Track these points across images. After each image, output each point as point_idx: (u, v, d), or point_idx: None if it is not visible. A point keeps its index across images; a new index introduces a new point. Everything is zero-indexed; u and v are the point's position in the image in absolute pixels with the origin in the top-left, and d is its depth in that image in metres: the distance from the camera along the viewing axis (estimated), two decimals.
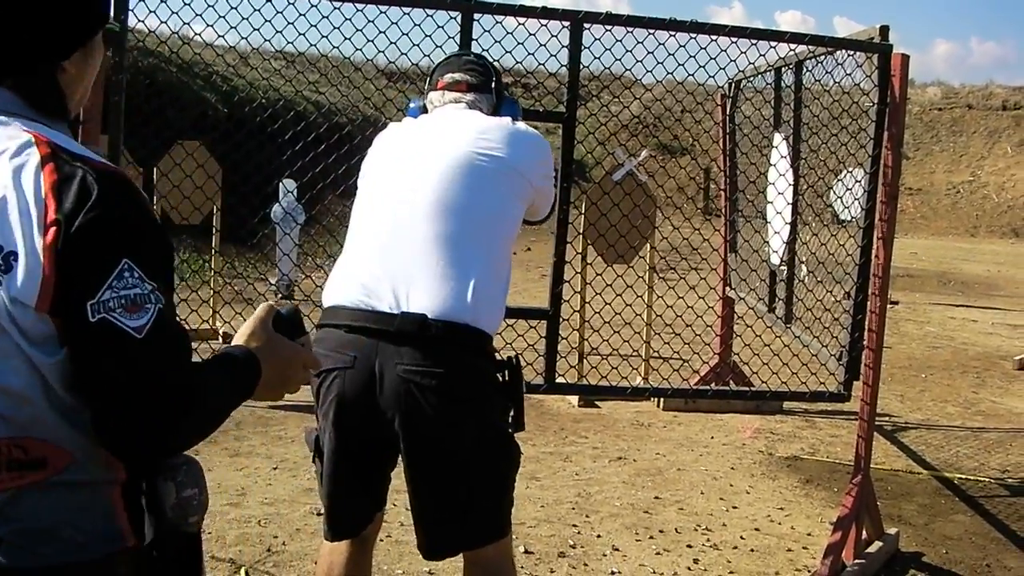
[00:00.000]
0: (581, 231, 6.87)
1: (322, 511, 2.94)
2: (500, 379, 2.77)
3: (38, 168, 1.43)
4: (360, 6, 4.30)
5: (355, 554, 2.92)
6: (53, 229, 1.39)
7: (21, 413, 1.42)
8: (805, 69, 5.22)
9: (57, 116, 1.56)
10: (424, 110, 3.05)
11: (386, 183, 2.83)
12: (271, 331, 1.69)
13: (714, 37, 4.51)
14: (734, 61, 4.64)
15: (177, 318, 1.52)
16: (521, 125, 2.92)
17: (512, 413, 2.77)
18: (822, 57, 4.93)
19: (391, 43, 4.39)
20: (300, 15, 4.29)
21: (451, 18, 4.26)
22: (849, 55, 4.65)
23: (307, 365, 1.75)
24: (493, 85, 3.03)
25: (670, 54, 4.57)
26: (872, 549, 4.58)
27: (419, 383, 2.59)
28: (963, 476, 5.99)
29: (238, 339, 1.67)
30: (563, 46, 4.30)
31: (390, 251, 2.68)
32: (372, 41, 4.49)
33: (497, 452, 2.76)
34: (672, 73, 4.66)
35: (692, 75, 4.65)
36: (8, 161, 1.44)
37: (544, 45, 4.42)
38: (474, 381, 2.69)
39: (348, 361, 2.62)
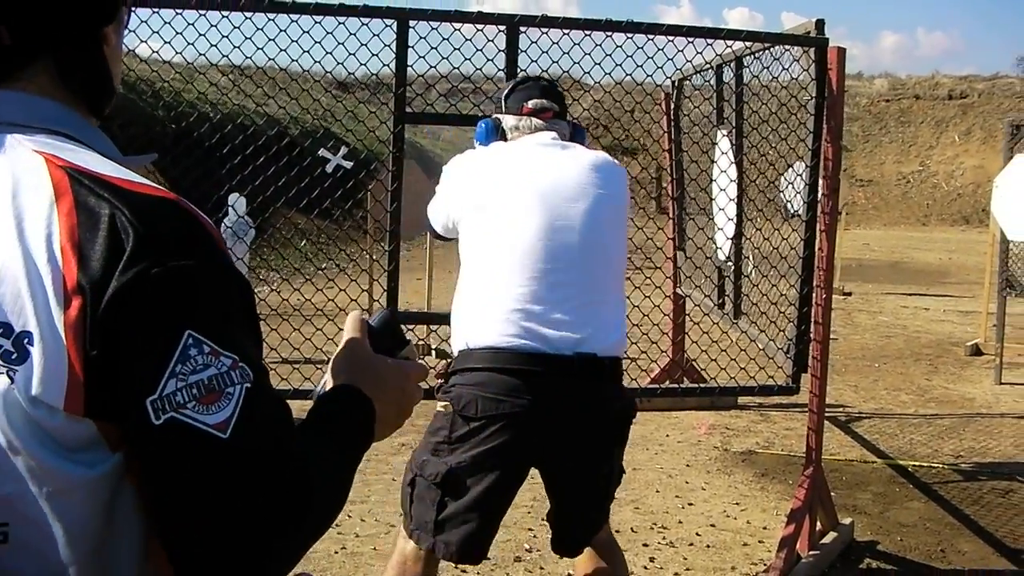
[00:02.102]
0: None
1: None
2: None
3: (51, 206, 1.02)
4: (295, 17, 4.26)
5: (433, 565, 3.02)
6: (76, 300, 0.99)
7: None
8: (744, 65, 5.24)
9: (102, 101, 1.21)
10: (500, 132, 3.08)
11: (521, 220, 2.84)
12: (371, 354, 1.34)
13: (651, 37, 4.52)
14: (671, 60, 4.67)
15: (268, 381, 1.10)
16: (611, 159, 3.05)
17: None
18: (760, 53, 4.95)
19: (327, 53, 4.36)
20: (234, 27, 4.24)
21: (387, 26, 4.24)
22: (786, 50, 4.67)
23: (418, 379, 1.40)
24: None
25: (607, 55, 4.57)
26: (827, 540, 4.61)
27: (598, 413, 2.84)
28: (917, 463, 6.05)
29: (333, 372, 1.31)
30: (500, 50, 4.29)
31: (545, 291, 2.78)
32: (308, 52, 4.47)
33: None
34: (610, 74, 4.64)
35: (630, 75, 4.65)
36: (10, 200, 1.03)
37: (480, 50, 4.41)
38: (632, 403, 3.02)
39: (522, 405, 2.75)
